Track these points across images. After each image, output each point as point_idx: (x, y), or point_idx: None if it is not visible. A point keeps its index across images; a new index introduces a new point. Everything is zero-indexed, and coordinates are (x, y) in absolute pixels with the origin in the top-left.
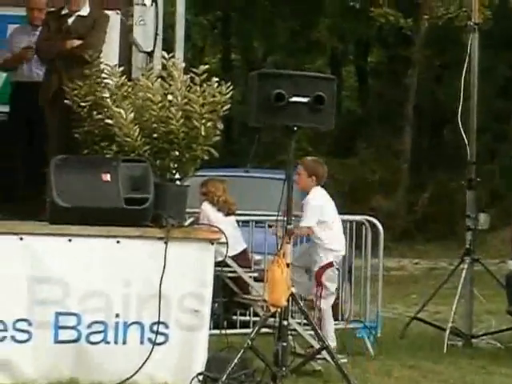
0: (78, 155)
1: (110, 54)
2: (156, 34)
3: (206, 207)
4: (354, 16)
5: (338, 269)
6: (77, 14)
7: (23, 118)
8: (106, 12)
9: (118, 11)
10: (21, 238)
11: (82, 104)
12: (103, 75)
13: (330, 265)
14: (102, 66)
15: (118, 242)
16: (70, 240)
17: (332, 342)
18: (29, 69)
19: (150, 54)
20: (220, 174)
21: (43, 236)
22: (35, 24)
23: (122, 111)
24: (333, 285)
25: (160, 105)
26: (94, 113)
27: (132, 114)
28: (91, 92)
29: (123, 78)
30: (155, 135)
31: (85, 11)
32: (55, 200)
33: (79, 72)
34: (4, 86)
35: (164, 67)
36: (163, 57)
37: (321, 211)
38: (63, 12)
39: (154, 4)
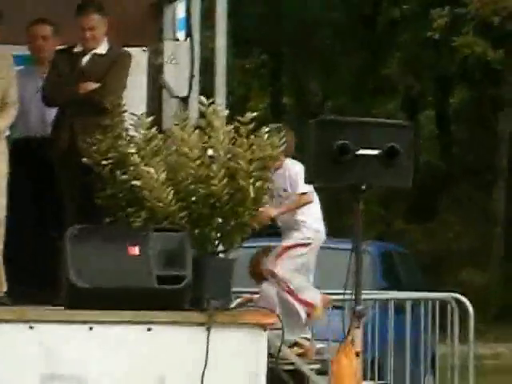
0: (99, 224)
1: (136, 100)
2: (191, 76)
3: (268, 288)
4: (433, 48)
5: None
6: (93, 51)
7: (27, 182)
8: (129, 50)
9: (145, 48)
10: (31, 327)
11: (103, 162)
12: (128, 126)
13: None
14: (126, 116)
15: (148, 329)
16: (90, 328)
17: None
18: (25, 121)
19: (185, 100)
20: (273, 245)
21: (58, 324)
22: (41, 59)
23: (151, 170)
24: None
25: (198, 161)
26: (118, 173)
27: (164, 174)
28: (113, 147)
29: (153, 129)
30: (193, 198)
31: (103, 49)
32: (72, 279)
33: (96, 122)
34: None
35: (202, 115)
36: (201, 103)
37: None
38: (76, 49)
39: (188, 39)
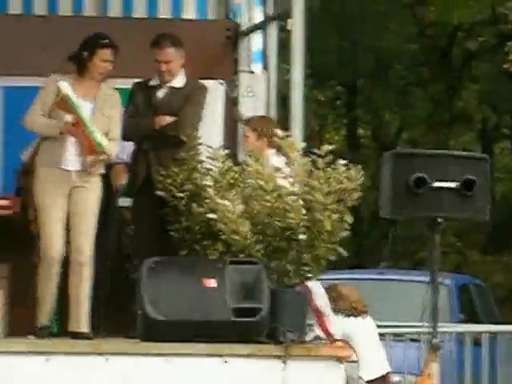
0: (175, 257)
1: (212, 132)
2: (267, 108)
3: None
4: (509, 80)
5: None
6: (169, 84)
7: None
8: (205, 82)
9: (221, 81)
10: (106, 359)
11: (179, 195)
12: (204, 159)
13: None
14: (202, 148)
15: (225, 361)
16: (166, 361)
17: None
18: None
19: None
20: (348, 277)
21: (134, 356)
22: None
23: (227, 203)
24: None
25: (275, 194)
26: (194, 205)
27: (240, 206)
28: (189, 180)
29: (229, 162)
30: (269, 231)
31: (179, 82)
32: (148, 312)
33: (172, 155)
34: None
35: (279, 148)
36: (277, 135)
37: None
38: (152, 83)
39: (264, 71)
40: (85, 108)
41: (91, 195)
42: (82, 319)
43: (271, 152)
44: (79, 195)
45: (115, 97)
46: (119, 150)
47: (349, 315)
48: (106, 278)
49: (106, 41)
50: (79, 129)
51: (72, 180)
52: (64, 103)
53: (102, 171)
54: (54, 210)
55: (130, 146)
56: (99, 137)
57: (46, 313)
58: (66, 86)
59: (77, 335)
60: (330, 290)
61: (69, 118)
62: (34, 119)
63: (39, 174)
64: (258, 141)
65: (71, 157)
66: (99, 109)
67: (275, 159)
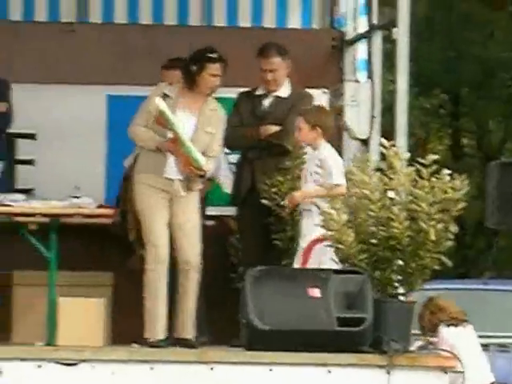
0: (280, 266)
1: None
2: (372, 117)
3: (444, 331)
4: None
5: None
6: (274, 94)
7: None
8: (310, 92)
9: (326, 90)
10: (211, 368)
11: (284, 203)
12: None
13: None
14: (307, 158)
15: (329, 371)
16: (270, 370)
17: None
18: None
19: (366, 142)
20: (452, 287)
21: (238, 365)
22: None
23: (332, 212)
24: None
25: (379, 204)
26: None
27: (345, 216)
28: (294, 189)
29: None
30: (374, 241)
31: (284, 91)
32: (253, 321)
33: (277, 164)
34: None
35: (383, 157)
36: (382, 145)
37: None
38: (258, 92)
39: (369, 80)
40: (187, 122)
41: (191, 206)
42: (188, 326)
43: (324, 144)
44: (181, 205)
45: (219, 113)
46: (212, 167)
47: (449, 325)
48: (210, 286)
49: (216, 55)
50: (176, 146)
51: (174, 189)
52: (162, 119)
53: (200, 186)
54: (159, 215)
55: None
56: (196, 154)
57: (160, 328)
58: (162, 103)
59: (182, 342)
60: (427, 305)
61: (169, 134)
62: (135, 130)
63: (141, 180)
64: (311, 132)
65: (174, 166)
66: (202, 124)
67: (328, 151)
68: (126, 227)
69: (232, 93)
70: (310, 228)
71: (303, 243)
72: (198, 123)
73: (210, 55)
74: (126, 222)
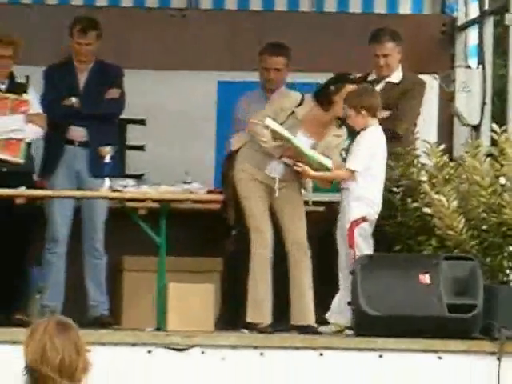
0: (389, 253)
1: (427, 127)
2: (483, 103)
3: None
4: None
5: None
6: (386, 80)
7: None
8: (422, 77)
9: (436, 75)
10: (321, 354)
11: (394, 189)
12: (419, 154)
13: (364, 219)
14: (418, 143)
15: (439, 357)
16: (380, 356)
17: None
18: None
19: (477, 128)
20: None
21: (348, 351)
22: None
23: (442, 198)
24: (368, 247)
25: (490, 190)
26: (409, 200)
27: (455, 202)
28: (405, 175)
29: (444, 157)
30: (485, 227)
31: (396, 77)
32: (363, 308)
33: (388, 150)
34: None
35: (494, 143)
36: (493, 130)
37: (371, 155)
38: (370, 77)
39: (480, 66)
40: (304, 143)
41: (295, 195)
42: (308, 311)
43: (371, 127)
44: (284, 194)
45: (339, 141)
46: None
47: None
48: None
49: (353, 76)
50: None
51: (275, 186)
52: (277, 135)
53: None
54: (261, 202)
55: None
56: (321, 159)
57: (267, 313)
58: (272, 122)
59: (304, 329)
60: None
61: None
62: (256, 129)
63: (245, 168)
64: (357, 116)
65: (276, 164)
66: (320, 152)
67: (368, 135)
68: (227, 211)
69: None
70: (347, 208)
71: (344, 223)
72: (315, 146)
73: (350, 77)
74: (228, 206)
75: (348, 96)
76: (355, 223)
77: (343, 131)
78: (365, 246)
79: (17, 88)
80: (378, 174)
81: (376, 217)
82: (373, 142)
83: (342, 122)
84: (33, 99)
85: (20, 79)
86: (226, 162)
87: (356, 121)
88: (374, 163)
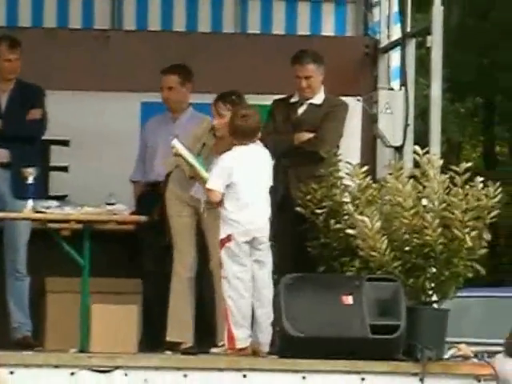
0: (313, 273)
1: (351, 149)
2: (406, 125)
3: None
4: None
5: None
6: (309, 101)
7: None
8: (345, 99)
9: (359, 98)
10: (244, 375)
11: (317, 211)
12: (342, 175)
13: (228, 239)
14: (341, 165)
15: (362, 379)
16: (303, 377)
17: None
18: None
19: (399, 149)
20: (485, 295)
21: (271, 372)
22: (171, 108)
23: (366, 219)
24: (238, 267)
25: (412, 211)
26: (332, 221)
27: (378, 223)
28: (328, 196)
29: (367, 178)
30: (407, 248)
31: (319, 98)
32: (286, 328)
33: (311, 172)
34: None
35: (416, 165)
36: (415, 152)
37: (229, 174)
38: (293, 100)
39: (402, 88)
40: None
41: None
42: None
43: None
44: (211, 215)
45: None
46: None
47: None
48: None
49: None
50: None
51: (201, 207)
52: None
53: None
54: (186, 223)
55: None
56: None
57: (189, 334)
58: (178, 145)
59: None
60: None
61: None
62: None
63: (173, 190)
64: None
65: (199, 186)
66: None
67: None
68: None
69: (267, 100)
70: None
71: None
72: None
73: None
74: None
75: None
76: (221, 242)
77: None
78: (233, 265)
79: None
80: (244, 194)
81: (254, 235)
82: (221, 164)
83: None
84: None
85: None
86: (164, 183)
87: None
88: (232, 184)
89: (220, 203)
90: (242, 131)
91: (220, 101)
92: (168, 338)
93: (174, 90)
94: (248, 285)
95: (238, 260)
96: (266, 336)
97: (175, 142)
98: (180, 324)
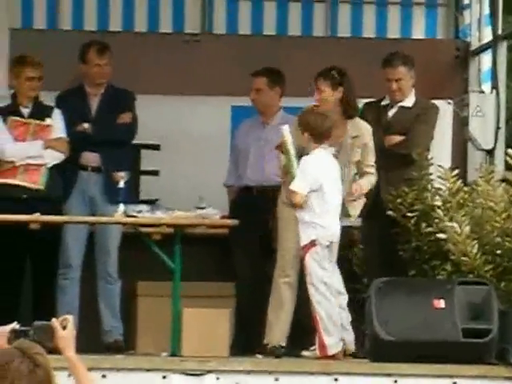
0: (404, 277)
1: (441, 152)
2: (497, 128)
3: None
4: None
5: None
6: (400, 104)
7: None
8: (435, 102)
9: (450, 101)
10: (335, 379)
11: (408, 214)
12: (433, 178)
13: (312, 244)
14: (433, 168)
15: (454, 383)
16: (395, 381)
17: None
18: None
19: (491, 152)
20: None
21: (362, 376)
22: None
23: (455, 225)
24: (324, 272)
25: (504, 215)
26: (423, 225)
27: (468, 227)
28: (419, 200)
29: (459, 182)
30: (499, 252)
31: (409, 101)
32: (377, 332)
33: (402, 175)
34: None
35: (508, 168)
36: (507, 155)
37: (314, 178)
38: (384, 102)
39: (494, 91)
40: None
41: None
42: None
43: (313, 152)
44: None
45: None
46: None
47: None
48: None
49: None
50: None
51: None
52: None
53: None
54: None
55: None
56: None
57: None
58: (288, 132)
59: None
60: None
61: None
62: None
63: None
64: (302, 136)
65: None
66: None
67: (307, 159)
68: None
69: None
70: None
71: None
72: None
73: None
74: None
75: (299, 115)
76: (306, 248)
77: (359, 127)
78: (319, 270)
79: (41, 112)
80: (329, 198)
81: (332, 240)
82: (305, 168)
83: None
84: (57, 123)
85: (46, 102)
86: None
87: (301, 139)
88: (320, 188)
89: (301, 206)
90: (320, 133)
91: (321, 76)
92: (266, 341)
93: (262, 92)
94: (333, 289)
95: (323, 265)
96: (351, 335)
97: (286, 129)
98: (279, 328)
